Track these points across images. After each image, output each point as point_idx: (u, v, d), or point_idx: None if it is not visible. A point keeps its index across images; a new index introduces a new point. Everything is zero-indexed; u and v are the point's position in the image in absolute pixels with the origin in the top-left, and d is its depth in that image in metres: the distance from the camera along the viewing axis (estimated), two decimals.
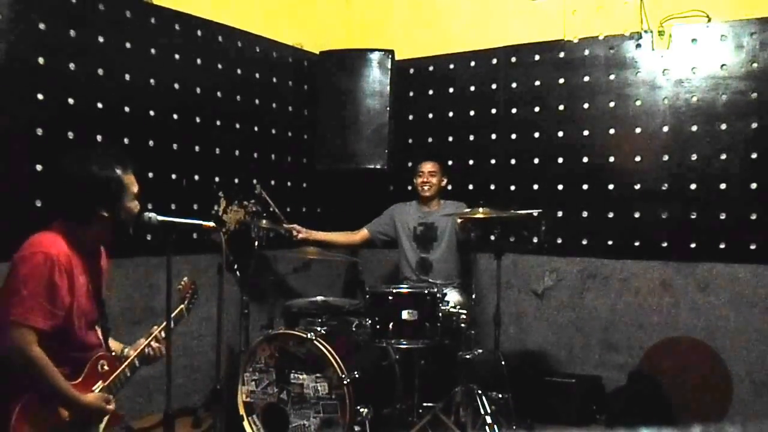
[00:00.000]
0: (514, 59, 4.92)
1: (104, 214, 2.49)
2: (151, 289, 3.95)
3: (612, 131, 4.59)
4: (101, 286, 2.64)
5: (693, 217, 4.33)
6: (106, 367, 2.57)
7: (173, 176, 4.21)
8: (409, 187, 4.85)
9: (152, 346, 2.70)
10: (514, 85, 4.93)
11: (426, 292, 3.86)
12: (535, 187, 4.84)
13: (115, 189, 2.49)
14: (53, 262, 2.35)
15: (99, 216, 2.49)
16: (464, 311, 3.89)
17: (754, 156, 4.17)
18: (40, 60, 3.51)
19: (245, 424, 3.77)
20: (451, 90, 5.17)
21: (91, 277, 2.55)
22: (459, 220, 4.45)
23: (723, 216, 4.24)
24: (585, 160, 4.68)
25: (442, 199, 4.80)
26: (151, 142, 4.07)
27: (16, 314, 2.31)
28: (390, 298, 3.85)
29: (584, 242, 4.68)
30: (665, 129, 4.42)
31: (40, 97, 3.51)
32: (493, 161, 5.01)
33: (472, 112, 5.09)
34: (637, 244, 4.51)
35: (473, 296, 3.99)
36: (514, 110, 4.93)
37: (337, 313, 4.16)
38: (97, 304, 2.61)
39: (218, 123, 4.49)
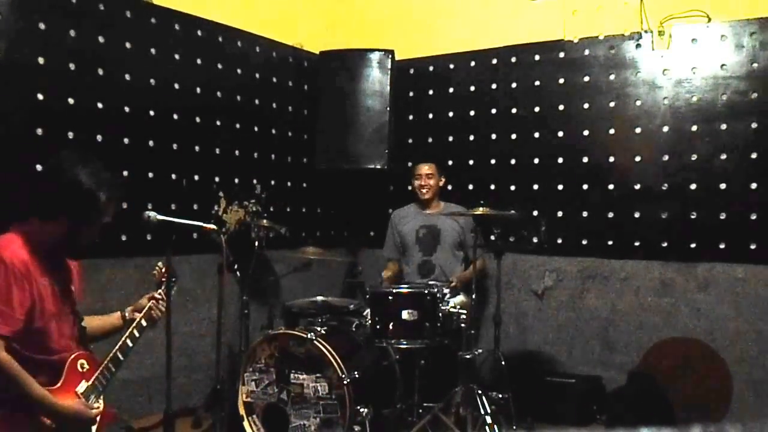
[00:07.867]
0: (514, 59, 4.92)
1: (67, 221, 2.40)
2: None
3: (612, 131, 4.59)
4: (69, 286, 2.54)
5: (693, 217, 4.32)
6: (86, 366, 2.48)
7: (173, 176, 4.21)
8: (409, 187, 4.85)
9: (153, 306, 2.72)
10: (514, 85, 4.93)
11: (426, 292, 3.86)
12: (535, 187, 4.84)
13: (89, 207, 2.39)
14: (5, 265, 2.27)
15: (61, 219, 2.40)
16: (464, 311, 3.88)
17: (754, 156, 4.17)
18: (40, 60, 3.52)
19: (245, 424, 3.76)
20: (451, 90, 5.17)
21: (54, 277, 2.45)
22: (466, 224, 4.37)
23: (723, 216, 4.24)
24: (585, 160, 4.67)
25: (442, 200, 4.80)
26: (151, 142, 4.08)
27: None
28: (390, 298, 3.85)
29: (584, 242, 4.68)
30: (665, 129, 4.42)
31: (40, 97, 3.52)
32: (493, 161, 5.01)
33: (472, 112, 5.09)
34: (637, 244, 4.50)
35: (473, 296, 3.98)
36: (514, 110, 4.93)
37: (337, 313, 4.15)
38: (68, 303, 2.50)
39: (218, 123, 4.50)
